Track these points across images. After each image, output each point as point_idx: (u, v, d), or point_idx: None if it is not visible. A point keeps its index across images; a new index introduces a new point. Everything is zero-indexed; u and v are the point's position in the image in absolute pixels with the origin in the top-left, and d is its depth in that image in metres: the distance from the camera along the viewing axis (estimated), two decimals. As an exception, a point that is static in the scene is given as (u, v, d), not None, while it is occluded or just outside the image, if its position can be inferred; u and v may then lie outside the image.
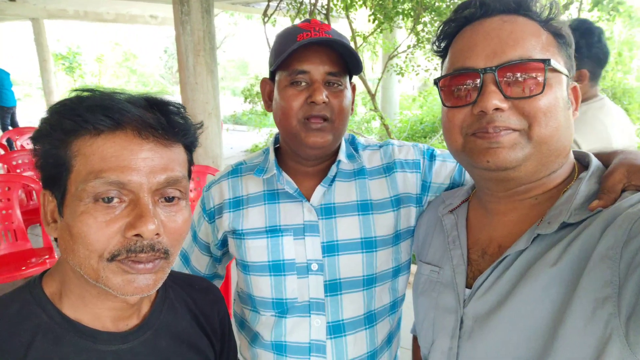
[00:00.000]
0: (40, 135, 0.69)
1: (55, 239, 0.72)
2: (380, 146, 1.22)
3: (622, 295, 0.61)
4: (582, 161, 0.83)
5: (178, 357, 0.83)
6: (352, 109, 1.14)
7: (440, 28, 0.85)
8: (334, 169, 1.13)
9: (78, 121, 0.65)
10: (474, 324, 0.80)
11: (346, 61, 1.06)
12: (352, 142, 1.22)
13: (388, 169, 1.17)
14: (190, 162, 0.79)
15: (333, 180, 1.14)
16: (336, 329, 1.11)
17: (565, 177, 0.80)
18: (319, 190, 1.13)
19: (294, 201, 1.13)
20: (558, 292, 0.68)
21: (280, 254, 1.11)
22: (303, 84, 1.04)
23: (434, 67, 6.44)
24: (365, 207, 1.13)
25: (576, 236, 0.70)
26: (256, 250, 1.12)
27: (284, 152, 1.17)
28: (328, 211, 1.12)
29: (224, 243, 1.23)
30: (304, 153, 1.09)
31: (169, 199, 0.71)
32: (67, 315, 0.72)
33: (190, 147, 0.78)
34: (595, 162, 0.80)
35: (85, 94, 0.69)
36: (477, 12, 0.78)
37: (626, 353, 0.61)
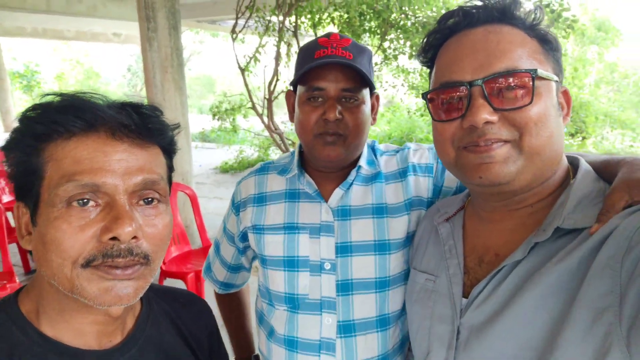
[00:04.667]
0: (11, 144, 0.65)
1: (31, 253, 0.68)
2: (397, 151, 1.26)
3: (624, 305, 0.60)
4: (575, 165, 0.82)
5: None
6: (375, 119, 1.20)
7: (425, 39, 0.84)
8: (353, 173, 1.17)
9: (49, 124, 0.62)
10: (470, 334, 0.78)
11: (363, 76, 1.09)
12: (373, 148, 1.27)
13: (403, 174, 1.20)
14: (170, 168, 0.77)
15: (351, 184, 1.19)
16: (347, 329, 1.13)
17: (560, 182, 0.79)
18: (337, 192, 1.17)
19: (313, 201, 1.18)
20: (557, 302, 0.67)
21: (295, 250, 1.16)
22: (319, 99, 1.09)
23: (401, 83, 6.60)
24: (380, 211, 1.16)
25: (576, 247, 0.68)
26: (273, 245, 1.18)
27: (307, 156, 1.23)
28: (344, 213, 1.16)
29: (244, 237, 1.28)
30: (320, 165, 1.16)
31: (148, 202, 0.68)
32: (46, 334, 0.67)
33: (168, 150, 0.75)
34: (583, 166, 0.79)
35: (55, 97, 0.66)
36: (461, 22, 0.78)
37: None
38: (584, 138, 6.66)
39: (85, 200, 0.62)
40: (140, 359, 0.76)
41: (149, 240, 0.67)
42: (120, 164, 0.64)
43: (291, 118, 1.22)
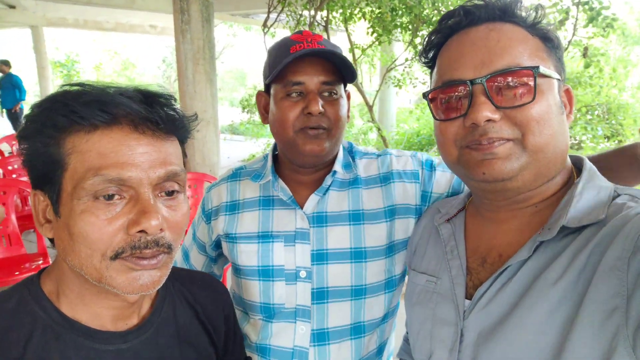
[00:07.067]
0: (28, 134, 0.66)
1: (51, 240, 0.70)
2: (378, 155, 1.22)
3: (631, 306, 0.59)
4: (578, 165, 0.82)
5: (178, 355, 0.82)
6: (348, 117, 1.16)
7: (427, 39, 0.83)
8: (329, 179, 1.13)
9: (73, 117, 0.63)
10: (478, 338, 0.77)
11: (340, 70, 1.07)
12: (350, 150, 1.22)
13: (385, 179, 1.16)
14: (184, 155, 0.78)
15: (327, 189, 1.15)
16: (320, 337, 1.11)
17: (564, 182, 0.78)
18: (313, 198, 1.13)
19: (288, 208, 1.14)
20: (566, 304, 0.67)
21: (270, 260, 1.12)
22: (299, 95, 1.05)
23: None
24: (356, 217, 1.13)
25: (583, 247, 0.68)
26: (247, 255, 1.14)
27: (282, 160, 1.19)
28: (320, 219, 1.13)
29: (217, 245, 1.25)
30: (301, 161, 1.10)
31: (169, 193, 0.70)
32: (65, 314, 0.71)
33: (183, 140, 0.77)
34: (587, 164, 0.78)
35: (75, 88, 0.66)
36: (462, 21, 0.77)
37: None
38: (620, 142, 6.40)
39: (111, 195, 0.64)
40: (155, 340, 0.78)
41: (170, 230, 0.69)
42: (144, 157, 0.65)
43: (264, 120, 1.16)
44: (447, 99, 0.78)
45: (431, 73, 0.86)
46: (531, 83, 0.70)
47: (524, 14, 0.75)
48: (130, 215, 0.64)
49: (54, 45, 20.96)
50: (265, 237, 1.13)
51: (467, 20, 0.77)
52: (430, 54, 0.85)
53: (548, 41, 0.75)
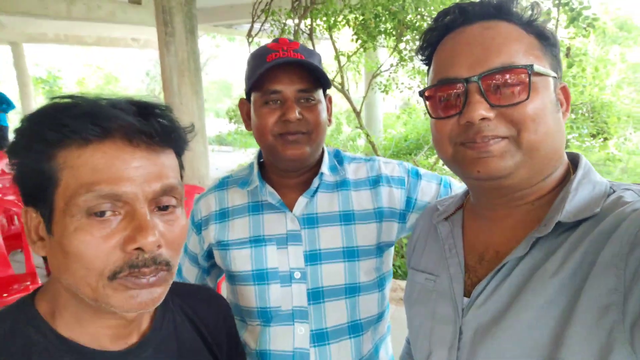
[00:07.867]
0: (17, 149, 0.64)
1: (44, 258, 0.68)
2: (367, 160, 1.26)
3: (628, 303, 0.59)
4: (575, 162, 0.82)
5: None
6: (330, 121, 1.18)
7: (423, 37, 0.84)
8: (316, 181, 1.16)
9: (64, 131, 0.60)
10: (474, 335, 0.77)
11: (317, 75, 1.09)
12: (337, 155, 1.25)
13: (374, 182, 1.20)
14: (181, 166, 0.76)
15: (315, 192, 1.17)
16: (320, 337, 1.13)
17: (561, 180, 0.79)
18: (302, 201, 1.15)
19: (277, 212, 1.16)
20: (561, 300, 0.66)
21: (263, 263, 1.14)
22: (277, 102, 1.07)
23: (417, 84, 6.55)
24: (347, 218, 1.16)
25: (579, 242, 0.68)
26: (240, 260, 1.15)
27: (268, 165, 1.21)
28: (311, 221, 1.15)
29: (209, 254, 1.26)
30: (284, 166, 1.13)
31: (165, 208, 0.67)
32: (62, 335, 0.68)
33: (180, 152, 0.74)
34: (583, 160, 0.79)
35: (65, 100, 0.63)
36: (457, 19, 0.77)
37: None
38: (605, 139, 6.50)
39: (104, 211, 0.61)
40: (157, 359, 0.76)
41: (168, 245, 0.66)
42: (138, 171, 0.63)
43: (247, 127, 1.19)
44: (442, 97, 0.78)
45: (428, 70, 0.86)
46: (525, 81, 0.70)
47: (519, 11, 0.75)
48: (125, 232, 0.62)
49: (34, 62, 20.72)
50: (257, 241, 1.15)
51: (462, 18, 0.77)
52: (427, 53, 0.85)
53: (544, 39, 0.75)
